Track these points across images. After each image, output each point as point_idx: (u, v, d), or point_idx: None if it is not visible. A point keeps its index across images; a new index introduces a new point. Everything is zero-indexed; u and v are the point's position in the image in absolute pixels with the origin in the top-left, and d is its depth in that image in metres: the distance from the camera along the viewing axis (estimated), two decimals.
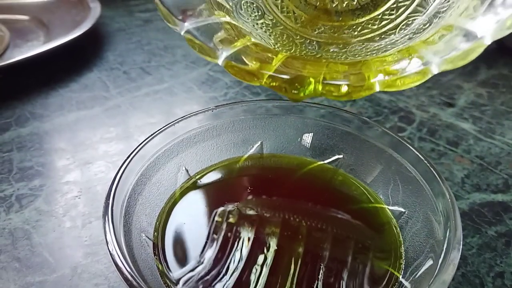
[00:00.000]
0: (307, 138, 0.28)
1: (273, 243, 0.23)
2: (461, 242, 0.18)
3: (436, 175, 0.21)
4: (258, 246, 0.22)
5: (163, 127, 0.25)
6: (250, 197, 0.26)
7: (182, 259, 0.22)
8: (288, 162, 0.28)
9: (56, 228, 0.28)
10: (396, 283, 0.20)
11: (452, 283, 0.25)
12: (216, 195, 0.26)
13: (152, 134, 0.24)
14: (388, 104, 0.42)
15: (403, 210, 0.23)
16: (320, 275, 0.21)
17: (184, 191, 0.25)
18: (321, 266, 0.21)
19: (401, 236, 0.23)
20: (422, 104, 0.42)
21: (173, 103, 0.42)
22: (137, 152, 0.22)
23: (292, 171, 0.28)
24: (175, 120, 0.25)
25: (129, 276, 0.16)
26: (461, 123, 0.39)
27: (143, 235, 0.21)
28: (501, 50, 0.53)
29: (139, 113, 0.40)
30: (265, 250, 0.22)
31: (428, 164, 0.22)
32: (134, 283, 0.16)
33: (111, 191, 0.20)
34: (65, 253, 0.27)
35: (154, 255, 0.21)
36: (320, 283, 0.21)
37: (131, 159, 0.22)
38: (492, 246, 0.27)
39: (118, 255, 0.17)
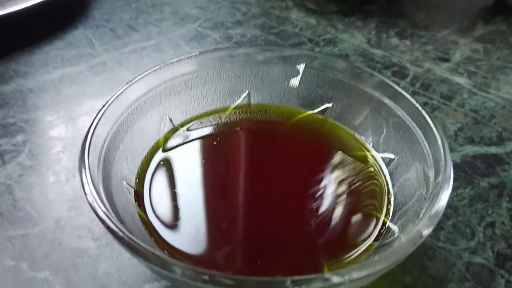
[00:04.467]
0: (296, 87, 0.27)
1: (259, 191, 0.22)
2: (451, 182, 0.18)
3: (428, 119, 0.20)
4: (243, 195, 0.22)
5: (144, 73, 0.24)
6: (237, 148, 0.26)
7: (164, 207, 0.21)
8: (276, 113, 0.27)
9: (39, 183, 0.28)
10: (384, 227, 0.20)
11: (443, 233, 0.24)
12: (202, 145, 0.25)
13: (132, 80, 0.23)
14: (381, 59, 0.41)
15: (392, 156, 0.23)
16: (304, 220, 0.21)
17: (167, 141, 0.25)
18: (307, 213, 0.21)
19: (390, 183, 0.22)
20: (416, 59, 0.41)
21: (161, 60, 0.40)
22: (116, 98, 0.22)
23: (281, 122, 0.27)
24: (157, 66, 0.24)
25: (104, 216, 0.15)
26: (456, 78, 0.38)
27: (124, 182, 0.21)
28: (499, 5, 0.51)
29: (126, 70, 0.39)
30: (251, 198, 0.22)
31: (419, 108, 0.21)
32: (109, 222, 0.15)
33: (88, 133, 0.19)
34: (48, 207, 0.26)
35: (135, 202, 0.21)
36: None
37: (110, 104, 0.21)
38: (484, 197, 0.27)
39: (94, 196, 0.16)
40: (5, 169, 0.28)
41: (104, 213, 0.15)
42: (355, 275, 0.14)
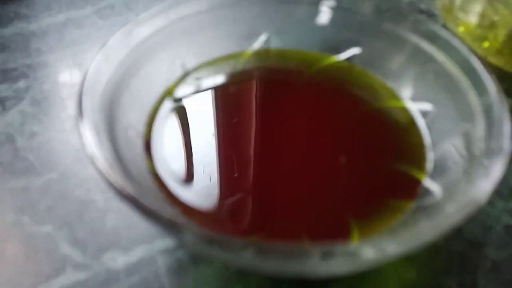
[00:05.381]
0: (321, 30, 0.24)
1: (280, 143, 0.20)
2: (509, 144, 0.15)
3: (476, 64, 0.18)
4: (261, 148, 0.20)
5: (151, 11, 0.21)
6: (255, 96, 0.23)
7: (175, 158, 0.19)
8: (298, 59, 0.25)
9: (42, 131, 0.26)
10: (420, 188, 0.18)
11: None
12: (216, 93, 0.23)
13: (139, 20, 0.20)
14: (408, 6, 0.38)
15: (430, 108, 0.20)
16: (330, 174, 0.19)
17: (178, 87, 0.22)
18: (333, 167, 0.19)
19: (427, 137, 0.20)
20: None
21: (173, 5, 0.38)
22: (120, 38, 0.19)
23: (303, 68, 0.24)
24: (166, 6, 0.22)
25: (106, 169, 0.13)
26: None
27: (131, 131, 0.19)
28: None
29: (134, 14, 0.37)
30: (271, 151, 0.20)
31: (464, 51, 0.18)
32: (111, 177, 0.13)
33: (86, 76, 0.17)
34: (52, 157, 0.24)
35: (145, 152, 0.19)
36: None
37: (114, 44, 0.19)
38: None
39: (93, 148, 0.14)
40: (6, 117, 0.27)
41: (107, 166, 0.13)
42: (397, 247, 0.12)
